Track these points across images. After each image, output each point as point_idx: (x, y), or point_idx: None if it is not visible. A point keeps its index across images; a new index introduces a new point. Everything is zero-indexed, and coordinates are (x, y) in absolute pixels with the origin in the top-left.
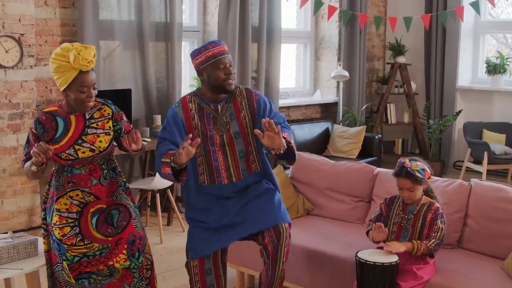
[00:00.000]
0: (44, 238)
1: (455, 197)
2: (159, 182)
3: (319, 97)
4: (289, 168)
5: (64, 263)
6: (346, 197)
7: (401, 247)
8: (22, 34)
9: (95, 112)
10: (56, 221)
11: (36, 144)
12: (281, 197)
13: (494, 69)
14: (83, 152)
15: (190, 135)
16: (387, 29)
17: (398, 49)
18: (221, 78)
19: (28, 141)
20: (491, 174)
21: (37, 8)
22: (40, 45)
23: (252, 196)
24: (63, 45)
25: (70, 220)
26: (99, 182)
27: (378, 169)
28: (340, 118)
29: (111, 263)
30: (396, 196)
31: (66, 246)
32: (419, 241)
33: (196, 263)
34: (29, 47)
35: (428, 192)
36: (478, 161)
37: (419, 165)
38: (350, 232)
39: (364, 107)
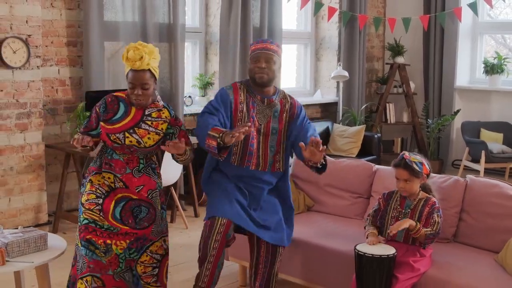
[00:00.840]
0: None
1: (451, 192)
2: (163, 180)
3: (319, 97)
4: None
5: (78, 224)
6: (345, 193)
7: (404, 223)
8: (29, 35)
9: (154, 111)
10: (88, 188)
11: (83, 137)
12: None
13: (492, 69)
14: (130, 141)
15: (249, 124)
16: (386, 30)
17: (397, 50)
18: (254, 71)
19: (89, 117)
20: (489, 173)
21: (43, 10)
22: (46, 46)
23: (274, 207)
24: (138, 42)
25: (98, 192)
26: (131, 172)
27: (377, 166)
28: (340, 118)
29: (109, 242)
30: (394, 191)
31: (84, 209)
32: (420, 225)
33: (224, 221)
34: (36, 48)
35: (425, 189)
36: (476, 160)
37: (418, 158)
38: (349, 227)
39: (363, 107)
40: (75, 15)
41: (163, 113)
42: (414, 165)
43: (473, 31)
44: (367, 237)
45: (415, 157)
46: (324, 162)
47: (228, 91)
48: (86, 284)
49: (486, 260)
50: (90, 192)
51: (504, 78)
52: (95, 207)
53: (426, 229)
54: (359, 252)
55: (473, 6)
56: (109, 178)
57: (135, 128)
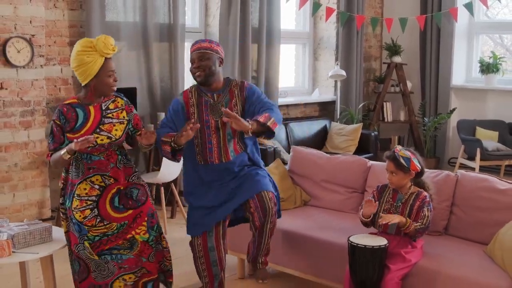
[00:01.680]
0: (62, 220)
1: (442, 187)
2: (164, 176)
3: (317, 96)
4: (287, 163)
5: (86, 243)
6: (340, 188)
7: (395, 218)
8: (33, 35)
9: (109, 103)
10: (77, 205)
11: (80, 139)
12: (266, 173)
13: (487, 68)
14: (101, 140)
15: (192, 120)
16: (383, 30)
17: (394, 49)
18: (192, 72)
19: (52, 132)
20: (484, 170)
21: (46, 10)
22: (49, 46)
23: (243, 177)
24: (83, 40)
25: (89, 202)
26: (115, 166)
27: (371, 162)
28: (338, 116)
29: (129, 236)
30: (387, 185)
31: (87, 227)
32: (410, 220)
33: (199, 241)
34: (40, 48)
35: (419, 185)
36: (472, 158)
37: (407, 154)
38: (344, 220)
39: (361, 106)
40: (78, 15)
41: (118, 102)
42: (401, 160)
43: (469, 31)
44: (360, 212)
45: (404, 153)
46: (259, 127)
47: (179, 100)
48: (125, 283)
49: (475, 251)
50: (83, 208)
51: (499, 77)
52: (97, 221)
53: (416, 224)
54: (352, 243)
55: (469, 7)
56: (97, 179)
57: (100, 126)
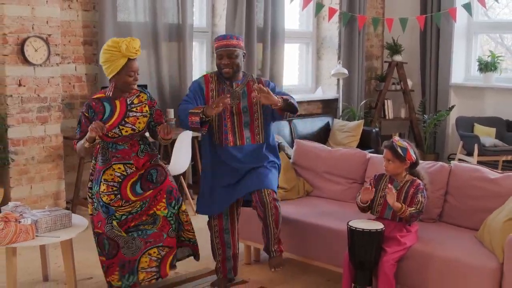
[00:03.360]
0: (89, 204)
1: (436, 177)
2: (173, 169)
3: (320, 94)
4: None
5: (114, 222)
6: (341, 179)
7: (394, 202)
8: (49, 35)
9: (134, 98)
10: (104, 189)
11: (93, 122)
12: (275, 171)
13: (485, 67)
14: (126, 131)
15: (228, 95)
16: (385, 30)
17: (395, 49)
18: (219, 66)
19: (79, 123)
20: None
21: (62, 11)
22: (64, 45)
23: (256, 165)
24: (112, 39)
25: (114, 188)
26: (137, 155)
27: (370, 154)
28: (340, 113)
29: (151, 212)
30: (384, 174)
31: (114, 207)
32: (405, 206)
33: (216, 222)
34: (56, 47)
35: (415, 174)
36: (470, 153)
37: (404, 144)
38: (344, 209)
39: (362, 103)
40: (91, 16)
41: (142, 97)
42: (398, 149)
43: (468, 30)
44: (358, 199)
45: (401, 143)
46: (287, 104)
47: (199, 82)
48: (150, 257)
49: (466, 236)
50: (108, 193)
51: (497, 75)
52: (122, 203)
53: (410, 209)
54: (352, 227)
55: (467, 7)
56: (119, 168)
57: (125, 119)
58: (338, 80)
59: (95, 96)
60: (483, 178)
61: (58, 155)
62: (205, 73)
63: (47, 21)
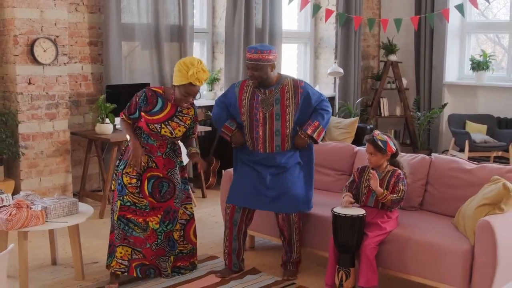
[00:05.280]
0: (113, 180)
1: (418, 168)
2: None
3: None
4: None
5: (118, 202)
6: (331, 171)
7: (377, 186)
8: (57, 36)
9: (184, 109)
10: (129, 171)
11: (136, 159)
12: (305, 183)
13: (478, 66)
14: (165, 131)
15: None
16: (381, 30)
17: (390, 48)
18: (248, 76)
19: (130, 103)
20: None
21: (69, 14)
22: (71, 45)
23: (283, 169)
24: (190, 58)
25: (137, 174)
26: (161, 155)
27: (358, 147)
28: (337, 111)
29: (147, 219)
30: (366, 166)
31: (127, 191)
32: (388, 192)
33: (229, 210)
34: (63, 47)
35: (395, 165)
36: (462, 149)
37: (384, 137)
38: (332, 199)
39: (358, 101)
40: (96, 18)
41: (191, 111)
42: (379, 142)
43: (461, 30)
44: (343, 198)
45: (382, 136)
46: (313, 141)
47: (235, 91)
48: (123, 253)
49: (444, 223)
50: (133, 176)
51: (489, 74)
52: (135, 191)
53: (392, 196)
54: (335, 213)
55: (460, 8)
56: (145, 158)
57: (169, 121)
58: (335, 78)
59: (154, 88)
60: (460, 169)
61: (65, 150)
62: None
63: (55, 23)
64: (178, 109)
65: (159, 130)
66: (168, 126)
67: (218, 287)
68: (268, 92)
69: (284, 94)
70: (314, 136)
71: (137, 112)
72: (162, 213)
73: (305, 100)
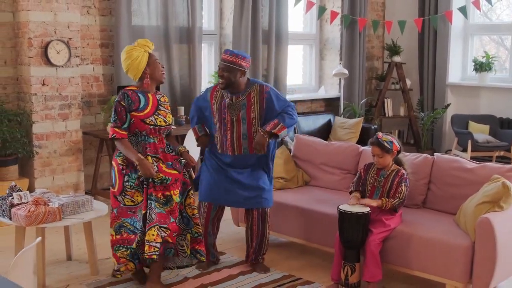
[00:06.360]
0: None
1: (421, 167)
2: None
3: (323, 93)
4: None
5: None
6: (336, 170)
7: (373, 202)
8: (70, 38)
9: (160, 97)
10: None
11: (149, 171)
12: (270, 180)
13: (480, 67)
14: (160, 121)
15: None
16: (385, 32)
17: (394, 50)
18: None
19: (115, 112)
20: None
21: (81, 17)
22: (83, 47)
23: (250, 169)
24: (126, 48)
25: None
26: (164, 151)
27: (362, 147)
28: (341, 111)
29: (168, 193)
30: (372, 163)
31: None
32: (387, 199)
33: (205, 208)
34: (76, 49)
35: (398, 162)
36: (465, 149)
37: (388, 138)
38: (338, 197)
39: (363, 101)
40: (108, 20)
41: (165, 98)
42: (385, 143)
43: (464, 32)
44: (351, 198)
45: (386, 137)
46: (274, 136)
47: (208, 91)
48: (158, 232)
49: (446, 220)
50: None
51: (492, 75)
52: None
53: (393, 201)
54: (341, 210)
55: (463, 10)
56: (151, 158)
57: (158, 111)
58: (340, 79)
59: (129, 88)
60: (461, 168)
61: (78, 149)
62: (213, 84)
63: (68, 26)
64: (158, 98)
65: (156, 122)
66: (159, 116)
67: (226, 282)
68: (235, 98)
69: (250, 100)
70: (274, 131)
71: (127, 117)
72: (181, 185)
73: (269, 104)
